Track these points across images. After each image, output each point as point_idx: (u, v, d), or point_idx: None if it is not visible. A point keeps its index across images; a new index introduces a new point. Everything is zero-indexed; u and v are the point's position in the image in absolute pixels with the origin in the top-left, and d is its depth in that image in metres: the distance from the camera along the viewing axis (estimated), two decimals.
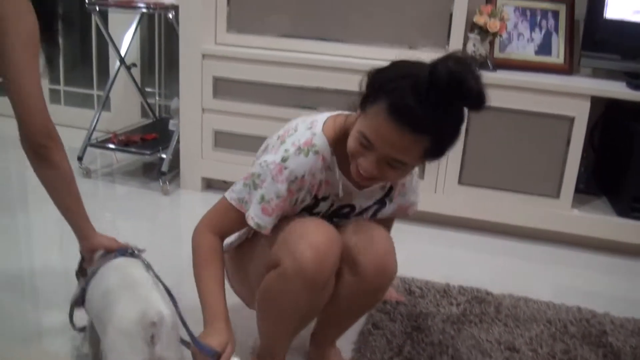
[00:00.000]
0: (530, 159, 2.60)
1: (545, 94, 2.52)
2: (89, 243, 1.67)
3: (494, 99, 2.49)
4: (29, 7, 1.47)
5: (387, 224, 1.72)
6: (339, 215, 1.59)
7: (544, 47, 2.76)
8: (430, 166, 2.58)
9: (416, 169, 1.58)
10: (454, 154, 2.60)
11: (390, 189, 1.59)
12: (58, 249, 2.49)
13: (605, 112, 2.82)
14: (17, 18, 1.46)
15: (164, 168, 3.03)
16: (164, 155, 3.08)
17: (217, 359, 1.36)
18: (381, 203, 1.61)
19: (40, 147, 1.55)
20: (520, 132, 2.57)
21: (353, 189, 1.52)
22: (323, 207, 1.55)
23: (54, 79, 4.24)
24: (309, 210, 1.55)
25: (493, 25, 2.58)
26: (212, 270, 1.51)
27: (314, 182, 1.46)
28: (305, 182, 1.43)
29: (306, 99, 2.73)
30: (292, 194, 1.44)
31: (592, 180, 2.87)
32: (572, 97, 2.51)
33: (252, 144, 2.84)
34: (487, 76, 2.49)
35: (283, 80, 2.76)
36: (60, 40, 3.56)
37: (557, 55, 2.76)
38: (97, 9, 3.14)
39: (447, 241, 2.74)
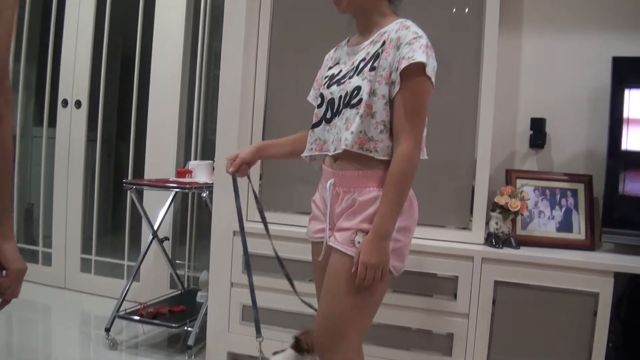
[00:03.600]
0: (557, 335, 2.57)
1: (568, 271, 2.54)
2: None
3: (519, 276, 2.56)
4: None
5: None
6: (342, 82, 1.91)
7: (565, 224, 2.84)
8: (458, 344, 2.61)
9: (422, 37, 1.77)
10: (482, 330, 2.61)
11: (383, 43, 1.81)
12: None
13: (630, 285, 2.83)
14: None
15: (190, 342, 3.05)
16: (190, 329, 3.11)
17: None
18: (376, 57, 1.81)
19: None
20: (546, 308, 2.57)
21: (350, 49, 1.97)
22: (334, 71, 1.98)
23: (86, 249, 4.37)
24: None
25: (514, 204, 2.67)
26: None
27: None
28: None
29: None
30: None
31: (620, 357, 2.83)
32: (595, 273, 2.53)
33: (279, 318, 2.90)
34: (511, 254, 2.58)
35: (308, 255, 2.83)
36: (95, 212, 3.73)
37: (579, 232, 2.83)
38: (134, 187, 3.30)
39: None
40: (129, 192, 3.54)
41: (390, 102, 1.78)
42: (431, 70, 1.73)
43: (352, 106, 1.81)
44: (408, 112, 1.75)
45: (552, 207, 2.86)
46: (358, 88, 1.81)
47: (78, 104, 4.31)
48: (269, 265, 2.88)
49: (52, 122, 4.46)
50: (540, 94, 3.07)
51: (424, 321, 2.67)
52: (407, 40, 1.74)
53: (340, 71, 1.93)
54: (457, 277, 2.63)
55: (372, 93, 1.78)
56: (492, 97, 2.70)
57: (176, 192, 3.66)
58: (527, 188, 2.86)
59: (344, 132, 1.83)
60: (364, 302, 1.82)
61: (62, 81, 4.40)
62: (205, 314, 3.12)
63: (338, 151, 1.84)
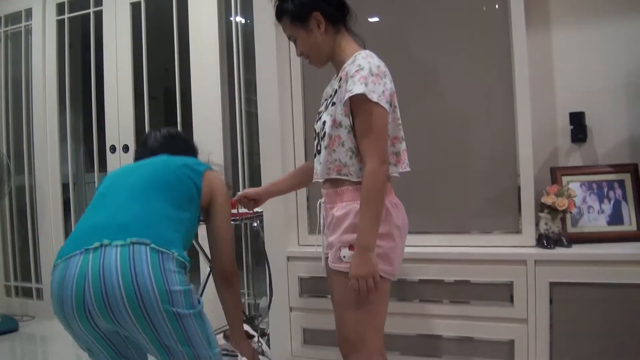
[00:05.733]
0: (620, 331, 2.54)
1: (624, 265, 2.51)
2: (234, 343, 2.37)
3: (574, 275, 2.55)
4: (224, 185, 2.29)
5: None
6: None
7: (616, 217, 2.82)
8: (520, 349, 2.60)
9: (364, 68, 1.95)
10: (542, 334, 2.60)
11: (340, 79, 2.03)
12: None
13: None
14: (222, 188, 2.24)
15: None
16: None
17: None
18: (335, 93, 2.07)
19: (230, 274, 2.20)
20: (606, 305, 2.54)
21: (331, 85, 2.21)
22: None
23: None
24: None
25: (561, 203, 2.67)
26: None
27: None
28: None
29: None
30: None
31: None
32: None
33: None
34: (564, 253, 2.57)
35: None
36: None
37: (630, 223, 2.80)
38: None
39: None
40: None
41: (353, 130, 1.99)
42: (377, 95, 1.92)
43: (322, 139, 2.07)
44: (365, 135, 1.95)
45: (601, 201, 2.85)
46: (324, 123, 2.07)
47: (126, 148, 4.46)
48: (323, 287, 2.94)
49: (103, 167, 4.62)
50: (576, 87, 3.05)
51: (484, 330, 2.69)
52: (350, 73, 1.96)
53: (324, 107, 2.17)
54: (512, 283, 2.64)
55: (339, 125, 2.01)
56: (527, 95, 2.70)
57: None
58: (574, 184, 2.85)
59: (317, 163, 2.11)
60: (366, 309, 2.00)
61: (108, 128, 4.56)
62: (268, 339, 3.19)
63: (317, 180, 2.14)
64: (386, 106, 1.94)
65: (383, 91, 1.94)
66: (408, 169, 2.11)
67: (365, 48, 2.11)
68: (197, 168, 2.21)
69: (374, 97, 1.91)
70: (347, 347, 2.07)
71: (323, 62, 2.16)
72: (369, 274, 1.90)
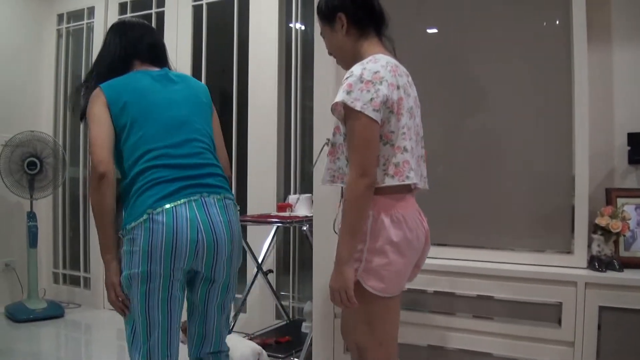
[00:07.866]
0: None
1: None
2: None
3: (625, 301, 2.50)
4: None
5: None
6: None
7: None
8: None
9: (354, 74, 1.91)
10: (589, 357, 2.55)
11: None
12: None
13: None
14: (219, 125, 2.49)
15: None
16: (296, 359, 3.21)
17: None
18: None
19: (230, 176, 2.40)
20: None
21: None
22: None
23: None
24: None
25: (615, 225, 2.63)
26: None
27: None
28: None
29: (438, 303, 2.83)
30: None
31: None
32: None
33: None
34: (616, 277, 2.52)
35: (420, 285, 2.85)
36: None
37: None
38: None
39: None
40: None
41: None
42: (362, 104, 1.84)
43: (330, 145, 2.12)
44: (348, 145, 1.92)
45: None
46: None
47: None
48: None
49: None
50: (636, 107, 2.99)
51: (529, 350, 2.65)
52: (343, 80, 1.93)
53: None
54: (560, 304, 2.60)
55: (341, 133, 2.03)
56: (586, 112, 2.66)
57: (278, 227, 3.79)
58: (628, 207, 2.80)
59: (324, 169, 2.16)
60: (362, 321, 2.02)
61: None
62: (311, 344, 3.21)
63: (324, 184, 2.18)
64: (373, 115, 1.84)
65: (372, 99, 1.84)
66: (409, 182, 1.94)
67: (395, 54, 2.08)
68: (210, 101, 2.52)
69: (356, 106, 1.84)
70: (353, 354, 2.14)
71: (348, 63, 2.07)
72: (342, 287, 1.90)
